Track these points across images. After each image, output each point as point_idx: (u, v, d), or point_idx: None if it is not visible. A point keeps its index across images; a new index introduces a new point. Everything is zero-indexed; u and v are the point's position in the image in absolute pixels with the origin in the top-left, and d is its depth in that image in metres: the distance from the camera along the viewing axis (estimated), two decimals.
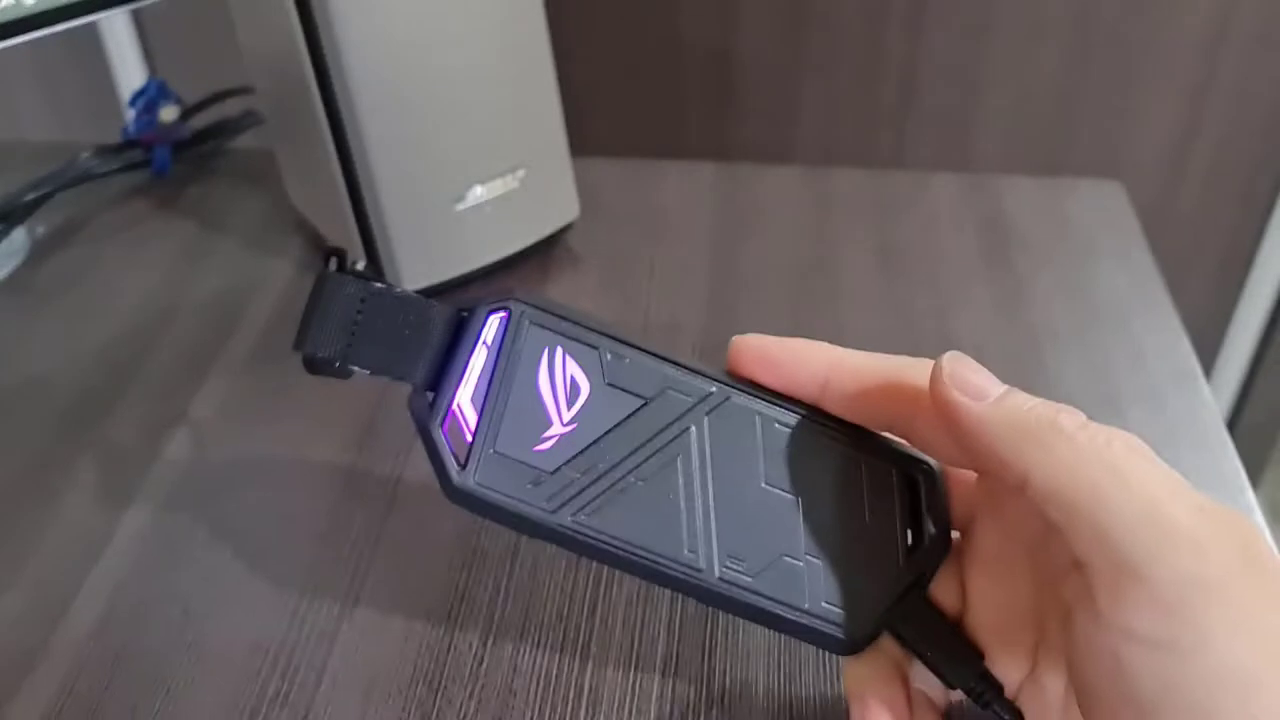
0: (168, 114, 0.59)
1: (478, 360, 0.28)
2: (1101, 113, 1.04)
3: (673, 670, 0.35)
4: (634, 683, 0.35)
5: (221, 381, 0.47)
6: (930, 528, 0.29)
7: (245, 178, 0.61)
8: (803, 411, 0.29)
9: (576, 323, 0.29)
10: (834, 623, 0.29)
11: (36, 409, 0.46)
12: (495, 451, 0.28)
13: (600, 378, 0.29)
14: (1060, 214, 0.57)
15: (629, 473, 0.28)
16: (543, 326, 0.29)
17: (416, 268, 0.49)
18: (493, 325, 0.28)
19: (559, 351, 0.29)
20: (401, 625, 0.37)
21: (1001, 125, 1.06)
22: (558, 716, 0.34)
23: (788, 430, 0.29)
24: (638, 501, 0.28)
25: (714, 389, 0.29)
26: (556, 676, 0.35)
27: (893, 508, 0.30)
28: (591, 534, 0.28)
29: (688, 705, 0.34)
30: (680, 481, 0.29)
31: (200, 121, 0.61)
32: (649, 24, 1.06)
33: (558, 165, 0.51)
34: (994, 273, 0.52)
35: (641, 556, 0.28)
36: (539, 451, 0.28)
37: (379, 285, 0.28)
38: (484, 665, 0.35)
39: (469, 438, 0.28)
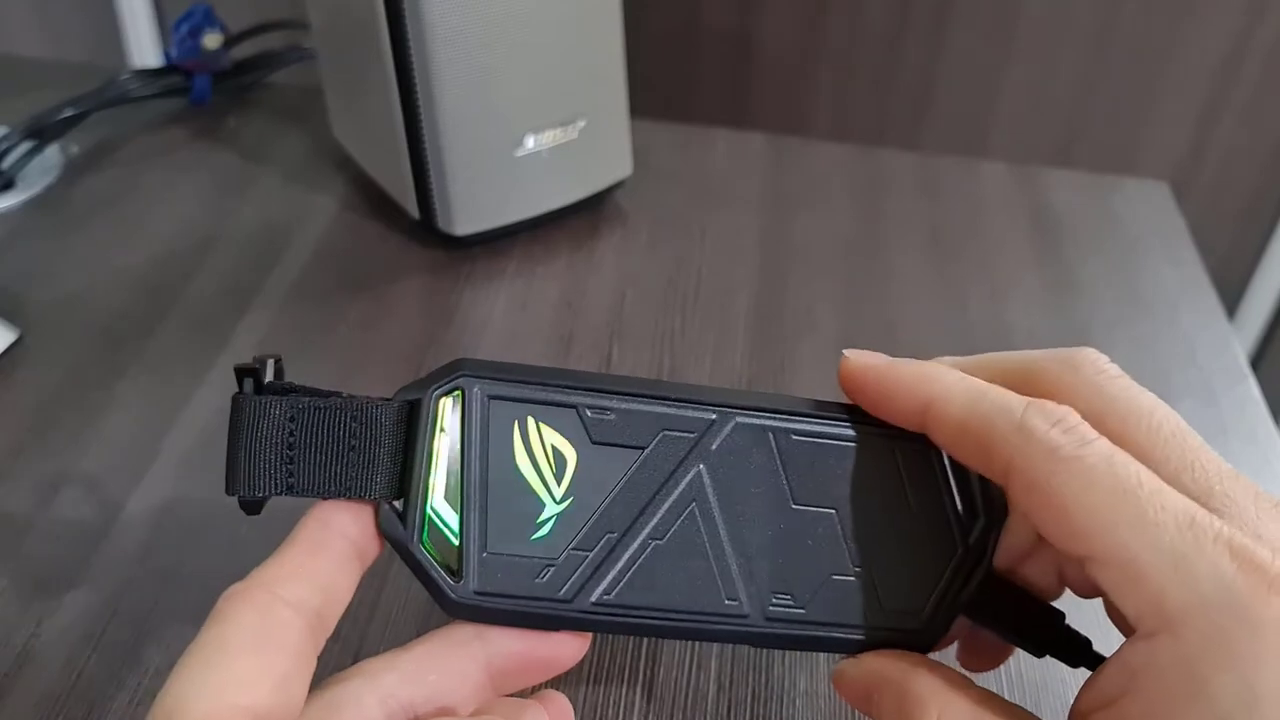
0: (211, 41, 0.57)
1: (441, 453, 0.25)
2: (1112, 125, 1.05)
3: None
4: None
5: (264, 314, 0.46)
6: (981, 497, 0.27)
7: (285, 113, 0.59)
8: (816, 411, 0.27)
9: (541, 383, 0.25)
10: (904, 627, 0.27)
11: (75, 327, 0.45)
12: (489, 553, 0.24)
13: (585, 439, 0.25)
14: (1108, 210, 0.57)
15: (643, 536, 0.25)
16: (504, 398, 0.25)
17: (469, 213, 0.48)
18: (446, 409, 0.25)
19: (530, 421, 0.25)
20: None
21: (1013, 130, 1.07)
22: (616, 668, 0.33)
23: (805, 439, 0.27)
24: (661, 564, 0.25)
25: (714, 415, 0.26)
26: None
27: (937, 487, 0.27)
28: (620, 613, 0.25)
29: (748, 664, 0.34)
30: (701, 529, 0.26)
31: (241, 52, 0.60)
32: (670, 2, 1.06)
33: (617, 120, 0.51)
34: (1044, 263, 0.52)
35: (680, 620, 0.25)
36: (538, 539, 0.25)
37: (308, 397, 0.24)
38: None
39: (455, 543, 0.24)
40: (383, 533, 0.24)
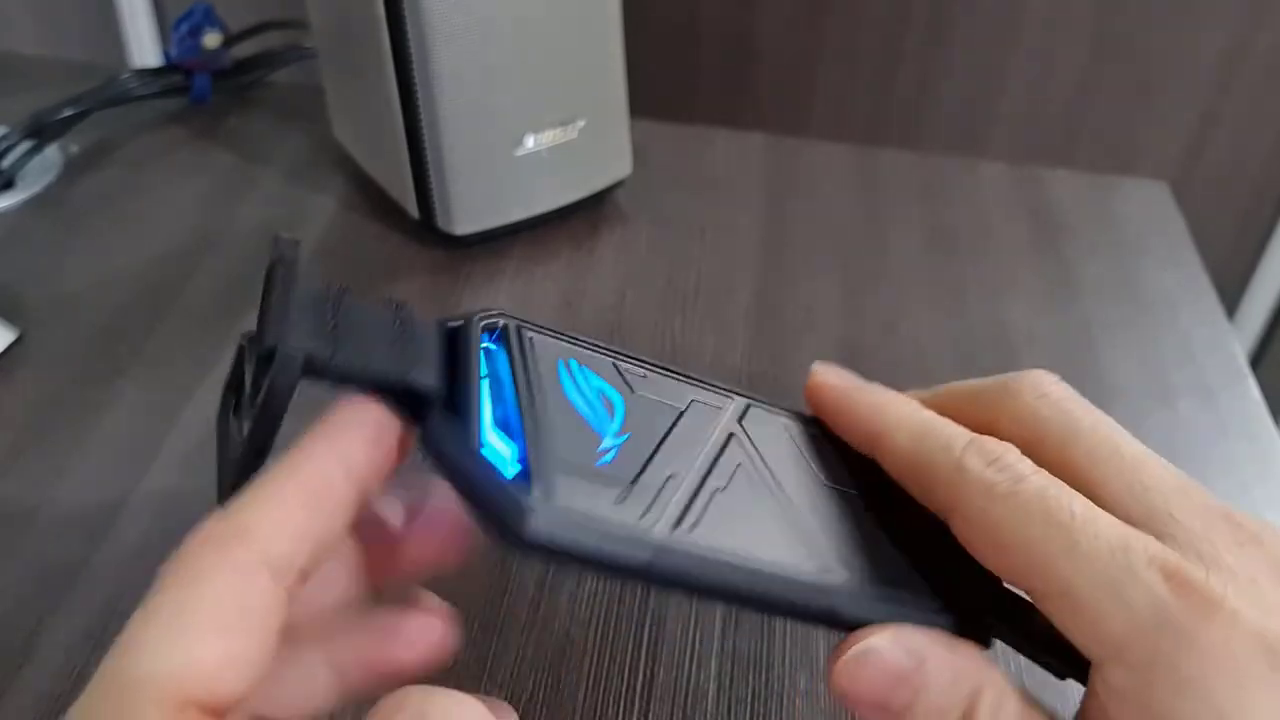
0: (211, 40, 0.57)
1: (487, 380, 0.22)
2: (1112, 125, 1.05)
3: (733, 626, 0.35)
4: (693, 638, 0.34)
5: None
6: None
7: (285, 112, 0.59)
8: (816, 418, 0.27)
9: (571, 336, 0.24)
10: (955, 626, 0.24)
11: (74, 325, 0.45)
12: (562, 473, 0.21)
13: (627, 388, 0.24)
14: (1108, 210, 0.57)
15: (705, 480, 0.23)
16: (546, 336, 0.24)
17: (469, 212, 0.48)
18: (485, 341, 0.23)
19: (573, 363, 0.24)
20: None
21: (1013, 130, 1.07)
22: (616, 667, 0.33)
23: (815, 431, 0.27)
24: (729, 510, 0.23)
25: (732, 399, 0.26)
26: (615, 627, 0.34)
27: None
28: (705, 551, 0.21)
29: (748, 662, 0.34)
30: (757, 486, 0.24)
31: (241, 51, 0.60)
32: (670, 2, 1.06)
33: (616, 120, 0.51)
34: (1044, 262, 0.52)
35: (765, 573, 0.22)
36: (604, 464, 0.22)
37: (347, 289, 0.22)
38: (540, 610, 0.35)
39: (514, 467, 0.21)
40: (433, 449, 0.20)
